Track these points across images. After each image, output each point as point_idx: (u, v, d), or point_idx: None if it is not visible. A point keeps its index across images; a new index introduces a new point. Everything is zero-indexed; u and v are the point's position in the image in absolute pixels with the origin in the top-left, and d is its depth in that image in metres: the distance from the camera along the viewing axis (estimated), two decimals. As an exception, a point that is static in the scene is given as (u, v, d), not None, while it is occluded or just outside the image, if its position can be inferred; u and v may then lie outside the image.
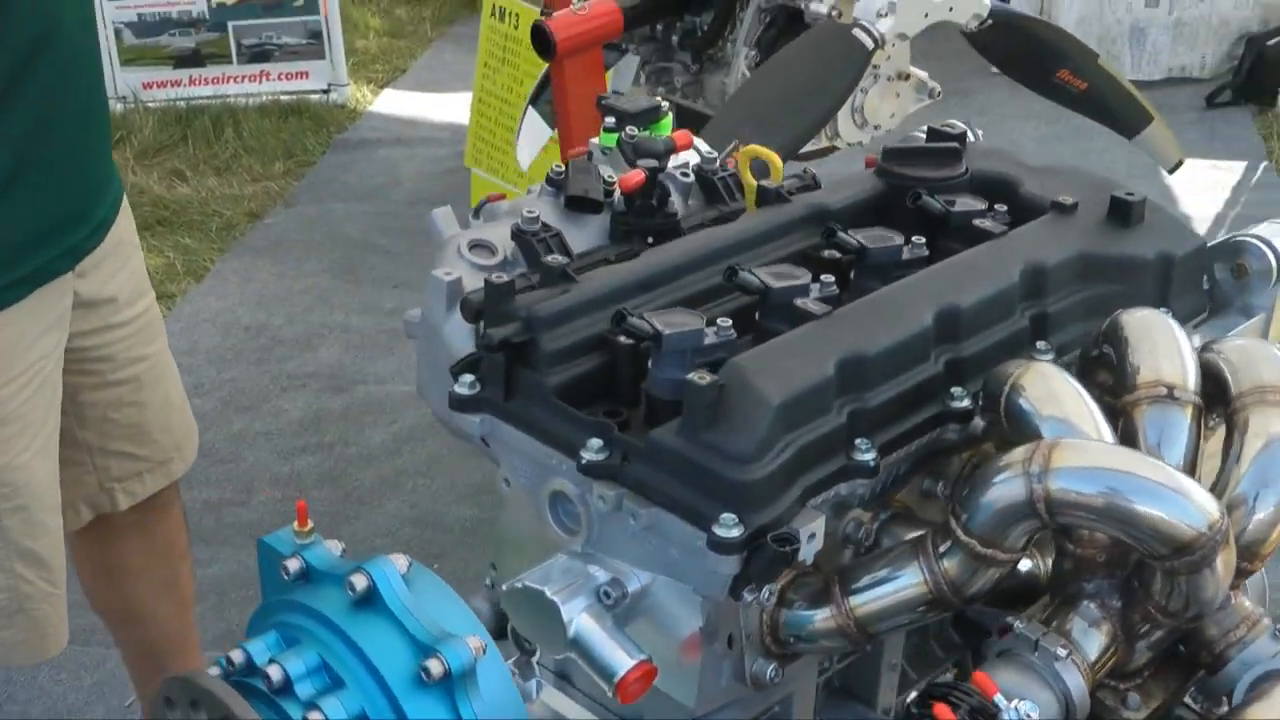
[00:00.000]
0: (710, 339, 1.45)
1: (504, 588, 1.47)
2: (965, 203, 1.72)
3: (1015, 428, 1.45)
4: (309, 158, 5.59)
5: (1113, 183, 1.81)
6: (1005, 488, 1.33)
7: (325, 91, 6.02)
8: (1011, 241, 1.66)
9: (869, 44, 3.24)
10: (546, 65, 4.01)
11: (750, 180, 1.81)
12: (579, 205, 1.73)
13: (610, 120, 1.88)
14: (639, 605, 1.47)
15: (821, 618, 1.45)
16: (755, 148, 1.79)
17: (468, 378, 1.53)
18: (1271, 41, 5.67)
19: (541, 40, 3.50)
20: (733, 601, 1.42)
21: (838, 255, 1.66)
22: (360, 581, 1.29)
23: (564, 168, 1.76)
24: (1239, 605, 1.45)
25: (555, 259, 1.56)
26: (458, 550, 3.59)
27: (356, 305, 4.64)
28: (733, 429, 1.36)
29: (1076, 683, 1.38)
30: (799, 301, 1.51)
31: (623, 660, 1.43)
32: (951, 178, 1.76)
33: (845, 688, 1.72)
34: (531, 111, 4.19)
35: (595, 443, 1.43)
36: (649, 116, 1.89)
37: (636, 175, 1.71)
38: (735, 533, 1.33)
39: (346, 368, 4.31)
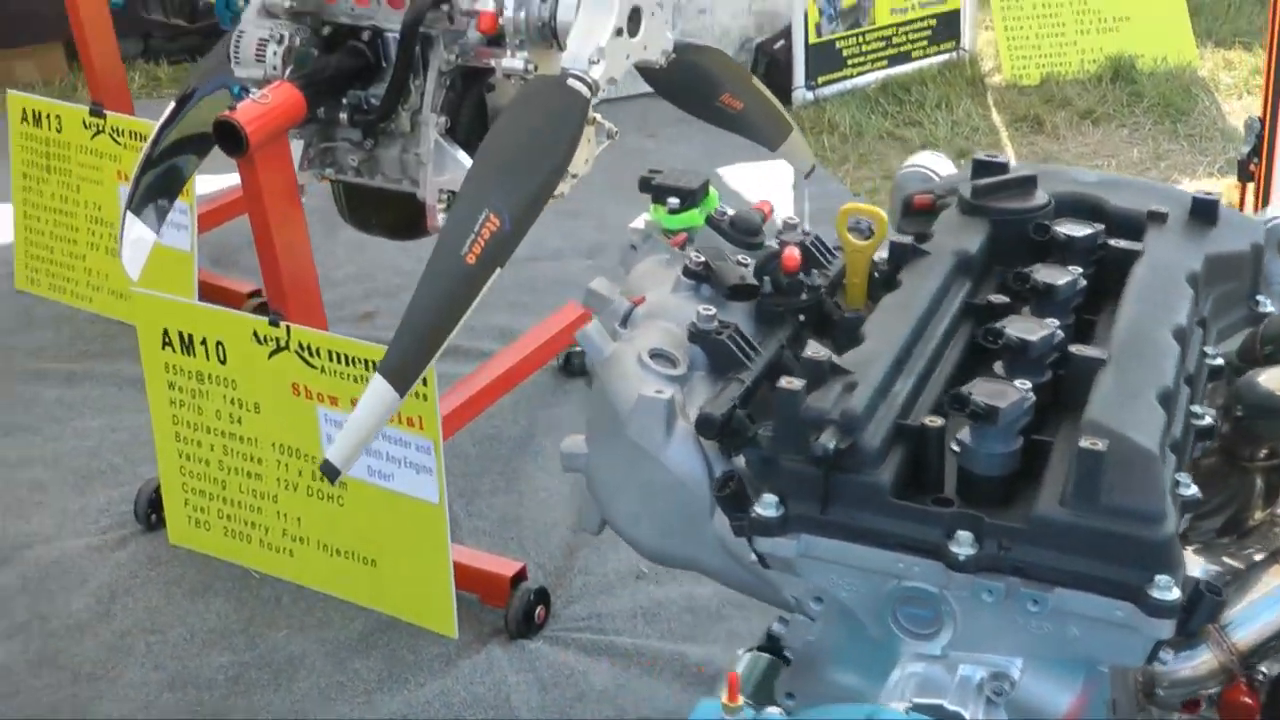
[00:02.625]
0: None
1: (871, 714, 1.35)
2: (1075, 226, 1.74)
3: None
4: None
5: (1160, 184, 1.88)
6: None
7: None
8: (1157, 256, 1.70)
9: (586, 92, 3.20)
10: (142, 165, 3.70)
11: (851, 239, 1.74)
12: (741, 294, 1.61)
13: (674, 201, 1.76)
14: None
15: (1203, 660, 1.43)
16: (856, 205, 1.73)
17: (770, 498, 1.39)
18: (777, 45, 6.04)
19: (230, 136, 3.21)
20: (1121, 667, 1.38)
21: (1006, 300, 1.64)
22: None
23: (702, 259, 1.62)
24: None
25: (817, 350, 1.45)
26: (232, 703, 3.25)
27: (-29, 463, 4.08)
28: (1132, 489, 1.32)
29: None
30: (1075, 349, 1.48)
31: (1037, 756, 1.35)
32: (1044, 205, 1.78)
33: None
34: (132, 217, 3.83)
35: (966, 535, 1.34)
36: (704, 191, 1.78)
37: (794, 254, 1.61)
38: (1173, 594, 1.29)
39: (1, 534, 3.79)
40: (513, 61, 3.33)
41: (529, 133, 3.14)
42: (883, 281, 1.71)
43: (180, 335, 3.55)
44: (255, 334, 3.42)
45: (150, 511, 3.76)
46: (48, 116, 4.67)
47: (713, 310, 1.55)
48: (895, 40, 6.22)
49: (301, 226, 3.47)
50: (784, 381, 1.40)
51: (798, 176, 5.61)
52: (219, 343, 3.49)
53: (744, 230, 1.71)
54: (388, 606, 3.45)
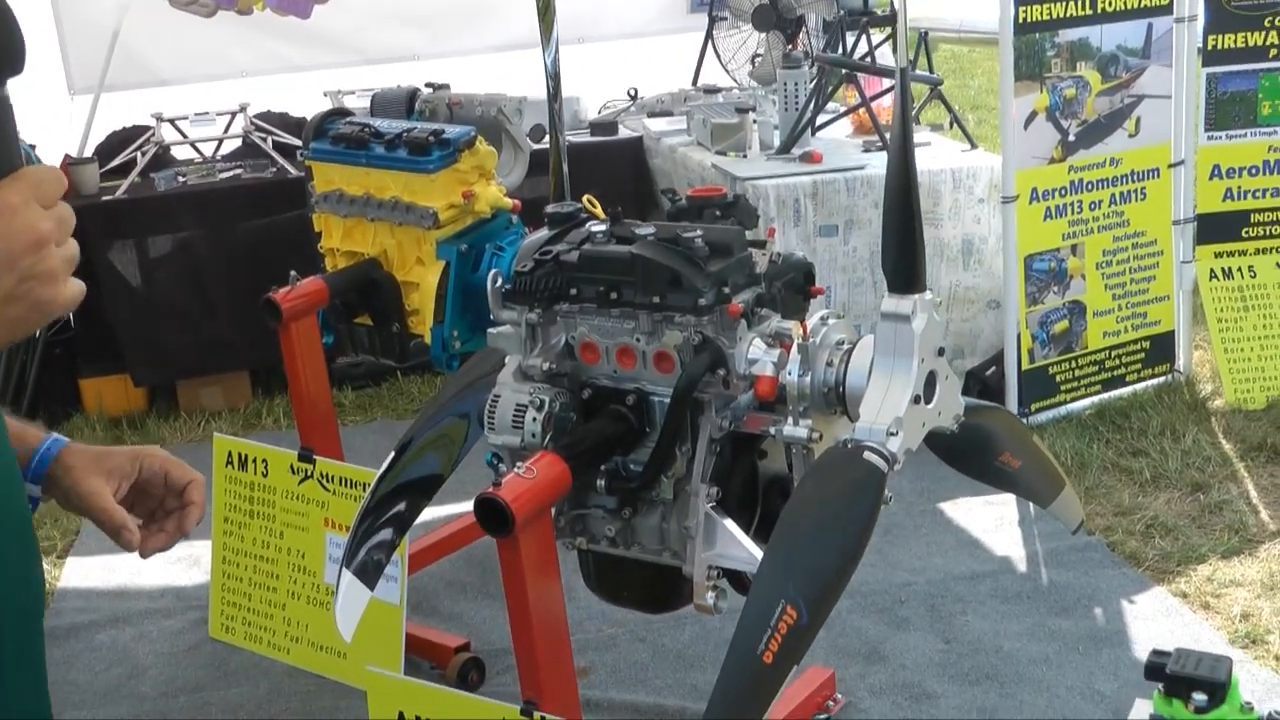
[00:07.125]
0: None
1: None
2: None
3: None
4: (14, 661, 4.61)
5: None
6: None
7: (-3, 575, 5.04)
8: None
9: (884, 466, 2.92)
10: (360, 516, 3.46)
11: None
12: None
13: (1202, 697, 1.44)
14: None
15: None
16: None
17: None
18: (989, 372, 5.80)
19: (494, 514, 2.96)
20: None
21: None
22: None
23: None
24: None
25: None
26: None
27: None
28: None
29: None
30: None
31: None
32: None
33: None
34: (348, 574, 3.58)
35: None
36: (1229, 679, 1.47)
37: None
38: None
39: None
40: (795, 430, 3.07)
41: (824, 513, 2.86)
42: None
43: (418, 721, 3.25)
44: (506, 724, 3.13)
45: None
46: (254, 460, 4.49)
47: None
48: (1108, 364, 5.96)
49: (559, 600, 3.20)
50: None
51: (1025, 514, 5.30)
52: (463, 731, 3.20)
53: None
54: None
